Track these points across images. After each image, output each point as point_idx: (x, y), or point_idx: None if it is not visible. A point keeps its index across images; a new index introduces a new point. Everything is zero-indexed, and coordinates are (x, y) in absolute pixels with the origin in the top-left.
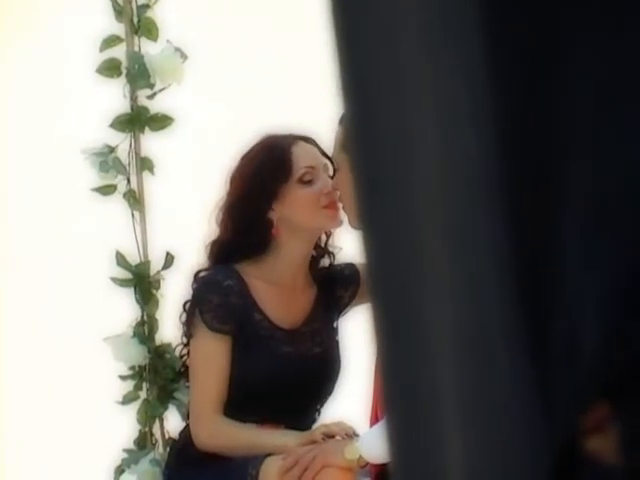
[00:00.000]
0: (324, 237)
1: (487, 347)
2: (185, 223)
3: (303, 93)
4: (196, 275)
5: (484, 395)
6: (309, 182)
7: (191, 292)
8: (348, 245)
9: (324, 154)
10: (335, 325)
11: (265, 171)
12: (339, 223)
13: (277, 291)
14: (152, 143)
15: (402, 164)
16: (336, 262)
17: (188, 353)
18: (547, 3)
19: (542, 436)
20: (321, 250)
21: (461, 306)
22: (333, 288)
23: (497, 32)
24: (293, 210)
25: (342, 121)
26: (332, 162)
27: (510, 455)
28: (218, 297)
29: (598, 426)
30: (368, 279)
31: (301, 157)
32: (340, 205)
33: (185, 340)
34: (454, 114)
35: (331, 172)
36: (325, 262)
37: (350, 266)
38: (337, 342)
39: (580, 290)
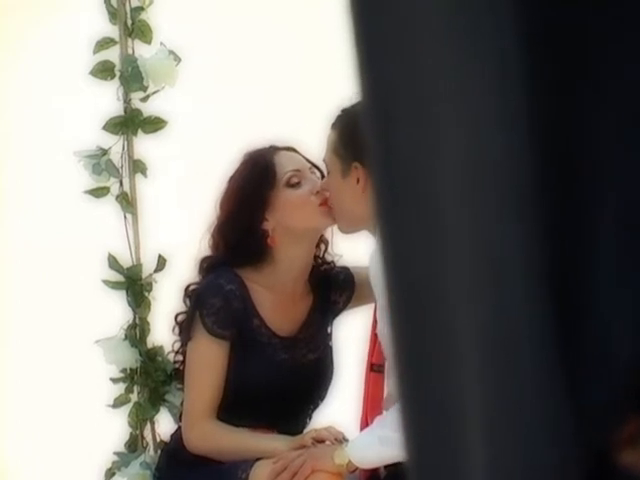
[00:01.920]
0: (322, 247)
1: (514, 349)
2: (177, 226)
3: (296, 97)
4: (187, 289)
5: (510, 397)
6: (297, 184)
7: (188, 299)
8: (346, 251)
9: (309, 162)
10: (329, 330)
11: (251, 183)
12: (333, 221)
13: (277, 298)
14: (145, 146)
15: (426, 170)
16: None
17: (183, 358)
18: (582, 6)
19: (571, 443)
20: (321, 261)
21: (487, 306)
22: (328, 293)
23: (531, 33)
24: (287, 214)
25: (334, 125)
26: (318, 168)
27: (537, 462)
28: (220, 301)
29: (632, 439)
30: (389, 286)
31: (284, 162)
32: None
33: (180, 345)
34: (483, 119)
35: (318, 175)
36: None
37: (344, 271)
38: (330, 347)
39: (613, 300)
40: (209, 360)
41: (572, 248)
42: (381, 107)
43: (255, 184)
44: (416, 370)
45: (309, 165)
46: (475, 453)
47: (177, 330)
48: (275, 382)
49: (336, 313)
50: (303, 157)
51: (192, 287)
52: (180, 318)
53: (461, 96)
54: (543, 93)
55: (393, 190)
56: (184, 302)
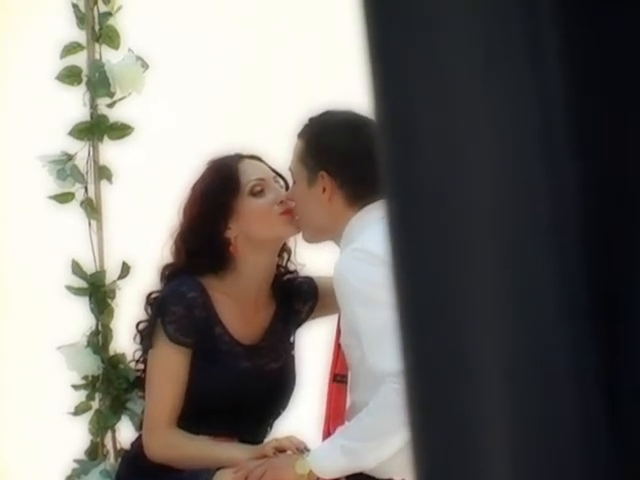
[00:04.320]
0: (285, 256)
1: (544, 365)
2: (142, 233)
3: (262, 105)
4: (148, 297)
5: (541, 414)
6: (260, 193)
7: (150, 307)
8: (309, 261)
9: (274, 171)
10: (292, 340)
11: (215, 190)
12: (296, 230)
13: (239, 306)
14: (111, 152)
15: (452, 184)
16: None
17: (145, 366)
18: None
19: (606, 460)
20: (283, 270)
21: (515, 322)
22: (291, 302)
23: (576, 56)
24: (249, 223)
25: (301, 134)
26: (283, 178)
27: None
28: (182, 309)
29: None
30: (407, 300)
31: (248, 171)
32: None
33: (141, 353)
34: (513, 133)
35: (282, 184)
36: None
37: (308, 280)
38: (293, 357)
39: None
40: (170, 368)
41: (611, 265)
42: (406, 126)
43: (218, 192)
44: (435, 386)
45: (273, 174)
46: (499, 469)
47: (138, 338)
48: (237, 390)
49: (299, 323)
50: (268, 166)
51: (154, 295)
52: (141, 326)
53: (491, 111)
54: (582, 108)
55: (415, 204)
56: (146, 310)
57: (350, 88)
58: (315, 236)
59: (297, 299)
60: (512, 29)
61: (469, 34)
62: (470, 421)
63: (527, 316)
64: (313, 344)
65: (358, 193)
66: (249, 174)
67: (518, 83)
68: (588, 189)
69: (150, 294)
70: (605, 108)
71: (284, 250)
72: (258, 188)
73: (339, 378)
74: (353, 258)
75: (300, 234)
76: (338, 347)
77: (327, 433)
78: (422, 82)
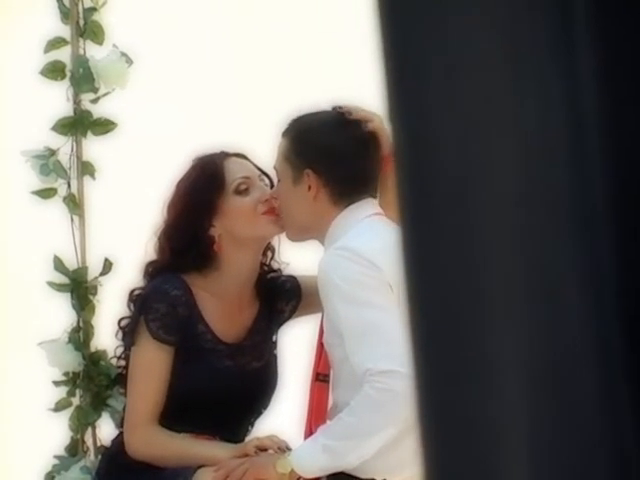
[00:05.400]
0: (269, 254)
1: (570, 365)
2: (125, 229)
3: (249, 100)
4: (131, 293)
5: (565, 414)
6: (245, 191)
7: (132, 304)
8: (294, 260)
9: (259, 169)
10: (274, 339)
11: (199, 188)
12: (280, 229)
13: (222, 304)
14: (94, 148)
15: (474, 182)
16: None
17: (126, 363)
18: None
19: (632, 462)
20: (267, 268)
21: (540, 322)
22: (274, 302)
23: (611, 67)
24: (232, 221)
25: (285, 132)
26: (268, 176)
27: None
28: (165, 307)
29: None
30: (426, 302)
31: (234, 169)
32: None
33: (123, 350)
34: (537, 131)
35: (267, 183)
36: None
37: (291, 279)
38: (275, 356)
39: None
40: (153, 365)
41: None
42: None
43: (203, 190)
44: (451, 389)
45: (258, 173)
46: (517, 469)
47: (120, 335)
48: (219, 389)
49: (281, 322)
50: (253, 164)
51: (137, 292)
52: (124, 323)
53: (516, 111)
54: (611, 107)
55: (437, 203)
56: (128, 307)
57: (337, 85)
58: (300, 235)
59: (280, 298)
60: (539, 27)
61: (496, 33)
62: (488, 426)
63: (551, 317)
64: (296, 343)
65: (343, 191)
66: (234, 172)
67: (545, 82)
68: (615, 189)
69: (133, 291)
70: (635, 107)
71: (268, 248)
72: (243, 186)
73: (322, 377)
74: (337, 256)
75: (284, 233)
76: (321, 346)
77: (309, 432)
78: (444, 82)
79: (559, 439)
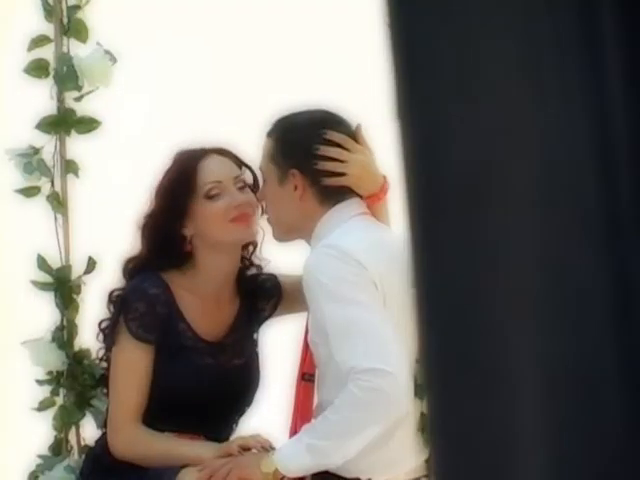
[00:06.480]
0: (250, 249)
1: (590, 378)
2: (108, 228)
3: (234, 98)
4: (110, 294)
5: (585, 425)
6: (216, 196)
7: (112, 305)
8: (275, 257)
9: (243, 164)
10: (255, 337)
11: (173, 189)
12: (250, 235)
13: (202, 302)
14: (78, 146)
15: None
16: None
17: (108, 364)
18: None
19: None
20: (248, 262)
21: (564, 338)
22: (255, 300)
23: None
24: (203, 226)
25: (270, 133)
26: (251, 169)
27: None
28: (144, 305)
29: None
30: (438, 311)
31: (207, 173)
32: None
33: (104, 351)
34: (562, 136)
35: (244, 185)
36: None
37: (272, 278)
38: (257, 354)
39: None
40: (134, 365)
41: None
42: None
43: (174, 192)
44: (471, 401)
45: (235, 174)
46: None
47: (101, 337)
48: (201, 387)
49: (262, 320)
50: (236, 159)
51: (116, 293)
52: (104, 325)
53: (541, 115)
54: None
55: (450, 205)
56: (108, 308)
57: (324, 85)
58: (286, 235)
59: (260, 296)
60: (564, 28)
61: (522, 35)
62: (507, 439)
63: (577, 333)
64: (281, 342)
65: (330, 191)
66: (206, 176)
67: (569, 84)
68: None
69: (112, 292)
70: None
71: (250, 243)
72: (214, 191)
73: (307, 377)
74: (323, 255)
75: (271, 233)
76: (307, 346)
77: (294, 432)
78: (459, 84)
79: (581, 450)
